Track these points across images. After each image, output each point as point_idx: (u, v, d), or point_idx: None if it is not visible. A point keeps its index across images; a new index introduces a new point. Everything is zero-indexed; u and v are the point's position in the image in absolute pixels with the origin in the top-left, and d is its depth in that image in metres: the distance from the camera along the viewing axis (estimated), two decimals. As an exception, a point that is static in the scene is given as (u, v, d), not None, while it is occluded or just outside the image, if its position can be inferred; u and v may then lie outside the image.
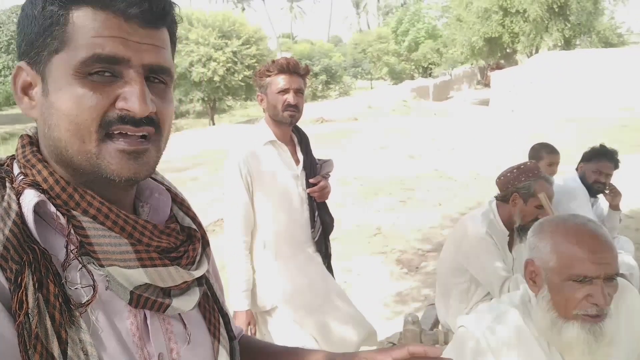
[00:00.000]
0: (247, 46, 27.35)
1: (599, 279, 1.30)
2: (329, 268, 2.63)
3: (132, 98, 0.67)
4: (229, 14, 29.91)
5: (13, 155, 0.75)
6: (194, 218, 0.85)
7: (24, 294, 0.60)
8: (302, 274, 2.46)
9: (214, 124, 26.59)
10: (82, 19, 0.67)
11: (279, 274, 2.42)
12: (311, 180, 2.49)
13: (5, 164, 0.74)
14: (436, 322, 3.14)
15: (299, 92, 2.39)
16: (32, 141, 0.74)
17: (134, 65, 0.68)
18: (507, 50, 27.88)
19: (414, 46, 41.12)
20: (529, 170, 2.58)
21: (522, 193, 2.53)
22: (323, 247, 2.60)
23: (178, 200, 0.86)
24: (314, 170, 2.54)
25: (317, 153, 2.68)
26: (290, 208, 2.44)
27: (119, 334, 0.69)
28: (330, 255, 2.67)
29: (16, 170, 0.71)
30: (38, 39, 0.68)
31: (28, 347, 0.58)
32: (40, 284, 0.61)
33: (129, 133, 0.69)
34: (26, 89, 0.71)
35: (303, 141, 2.59)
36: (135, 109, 0.67)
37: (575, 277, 1.31)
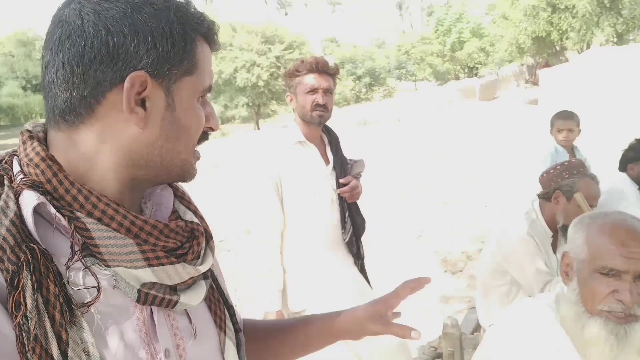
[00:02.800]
0: (290, 50, 27.68)
1: (628, 275, 1.24)
2: (362, 270, 2.58)
3: (214, 118, 0.82)
4: (272, 19, 30.29)
5: (14, 151, 0.74)
6: (195, 212, 0.85)
7: (21, 295, 0.59)
8: (332, 276, 2.40)
9: (259, 128, 26.95)
10: (201, 49, 0.75)
11: (309, 276, 2.38)
12: (341, 181, 2.44)
13: (4, 161, 0.72)
14: (477, 326, 3.08)
15: (327, 91, 2.36)
16: (32, 136, 0.72)
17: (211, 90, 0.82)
18: (556, 48, 27.00)
19: (459, 46, 40.42)
20: (572, 167, 2.49)
21: (564, 191, 2.44)
22: (354, 249, 2.54)
23: (179, 194, 0.86)
24: (345, 170, 2.49)
25: (359, 155, 2.65)
26: (320, 209, 2.40)
27: (124, 333, 0.69)
28: (362, 256, 2.60)
29: (16, 167, 0.69)
30: (174, 57, 0.70)
31: (27, 349, 0.58)
32: (40, 285, 0.60)
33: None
34: (136, 98, 0.69)
35: (333, 141, 2.54)
36: (217, 126, 0.82)
37: (602, 269, 1.27)
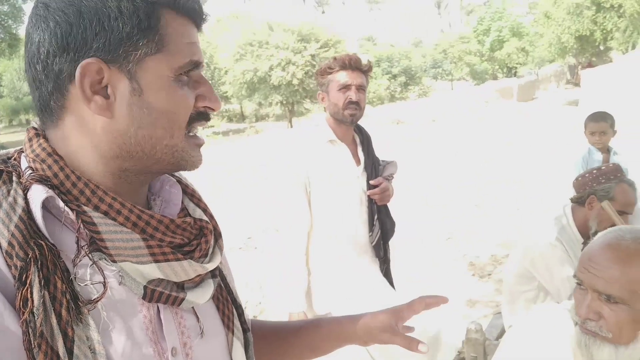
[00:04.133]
0: (326, 49, 27.69)
1: (589, 290, 1.25)
2: (387, 274, 2.51)
3: (212, 97, 0.75)
4: (308, 19, 30.43)
5: (21, 148, 0.74)
6: (205, 209, 0.84)
7: (28, 291, 0.59)
8: (357, 279, 2.33)
9: (292, 126, 27.09)
10: (172, 23, 0.70)
11: (334, 278, 2.32)
12: (372, 182, 2.37)
13: (13, 158, 0.72)
14: (502, 332, 2.98)
15: (360, 88, 2.29)
16: (37, 133, 0.72)
17: (201, 67, 0.75)
18: (600, 48, 26.18)
19: (498, 45, 39.66)
20: (610, 172, 2.40)
21: (600, 196, 2.35)
22: (381, 252, 2.46)
23: (189, 192, 0.85)
24: (376, 171, 2.42)
25: (391, 155, 2.60)
26: (348, 210, 2.34)
27: (131, 330, 0.68)
28: (389, 260, 2.52)
29: (24, 164, 0.70)
30: (130, 38, 0.66)
31: (33, 346, 0.58)
32: (47, 281, 0.60)
33: (202, 128, 0.78)
34: (95, 87, 0.68)
35: (365, 141, 2.47)
36: (217, 106, 0.76)
37: (576, 277, 1.30)
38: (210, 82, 0.77)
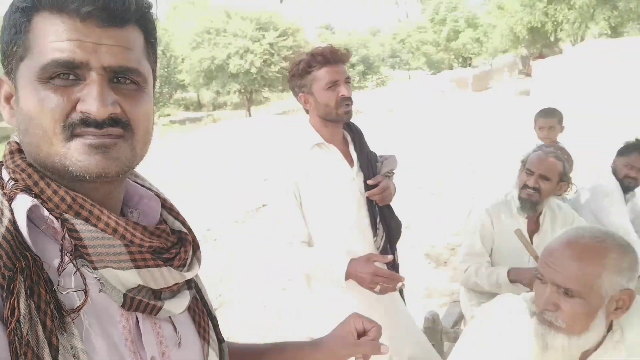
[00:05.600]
0: (284, 38, 27.49)
1: (548, 283, 1.33)
2: None
3: (90, 100, 0.67)
4: (266, 6, 30.09)
5: (1, 161, 0.74)
6: (183, 222, 0.85)
7: (15, 300, 0.59)
8: (363, 294, 2.02)
9: (250, 115, 26.85)
10: (41, 25, 0.67)
11: (338, 295, 2.08)
12: (369, 182, 2.14)
13: None
14: (459, 319, 3.08)
15: (347, 81, 2.07)
16: (19, 148, 0.73)
17: (94, 67, 0.68)
18: (551, 39, 27.01)
19: (454, 35, 40.34)
20: (543, 146, 2.63)
21: (522, 162, 2.56)
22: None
23: (167, 206, 0.86)
24: (373, 169, 2.21)
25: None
26: (346, 216, 2.11)
27: (112, 339, 0.69)
28: (397, 265, 2.28)
29: (5, 176, 0.71)
30: (8, 47, 0.68)
31: (19, 354, 0.58)
32: (32, 291, 0.61)
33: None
34: (9, 98, 0.72)
35: (356, 138, 2.24)
36: (93, 110, 0.67)
37: (537, 272, 1.38)
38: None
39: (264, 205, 7.30)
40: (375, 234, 2.16)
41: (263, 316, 4.37)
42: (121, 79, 0.71)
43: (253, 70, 26.16)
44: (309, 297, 2.22)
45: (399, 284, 1.93)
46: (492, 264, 2.65)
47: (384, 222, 2.20)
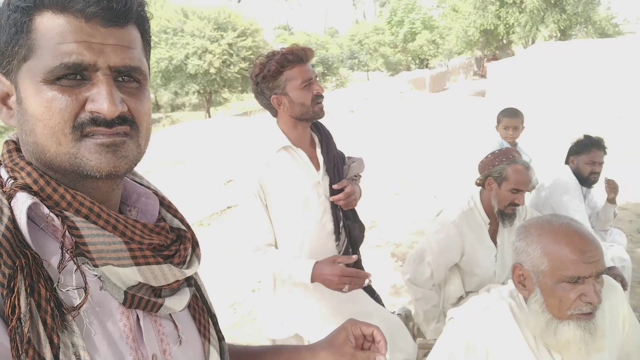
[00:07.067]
0: (243, 38, 27.24)
1: (591, 278, 1.31)
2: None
3: (100, 100, 0.68)
4: (225, 6, 29.75)
5: None
6: (182, 220, 0.86)
7: (16, 298, 0.60)
8: (326, 297, 2.10)
9: (210, 116, 26.51)
10: (45, 25, 0.66)
11: (300, 299, 2.13)
12: (334, 186, 2.14)
13: None
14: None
15: (316, 78, 2.08)
16: (17, 147, 0.74)
17: (101, 68, 0.68)
18: (503, 42, 27.82)
19: (410, 37, 41.01)
20: (503, 155, 2.61)
21: (495, 177, 2.56)
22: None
23: (165, 204, 0.87)
24: (340, 173, 2.19)
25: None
26: (310, 221, 2.10)
27: (112, 337, 0.69)
28: (362, 268, 2.28)
29: (4, 175, 0.71)
30: (7, 48, 0.68)
31: (20, 352, 0.58)
32: (32, 289, 0.61)
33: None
34: (5, 99, 0.71)
35: (324, 140, 2.21)
36: (104, 110, 0.68)
37: (569, 278, 1.32)
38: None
39: (228, 207, 7.25)
40: (337, 239, 2.18)
41: (232, 318, 4.34)
42: (124, 77, 0.72)
43: (212, 70, 25.82)
44: (273, 300, 2.20)
45: (367, 281, 1.95)
46: (463, 273, 2.73)
47: (347, 227, 2.21)
